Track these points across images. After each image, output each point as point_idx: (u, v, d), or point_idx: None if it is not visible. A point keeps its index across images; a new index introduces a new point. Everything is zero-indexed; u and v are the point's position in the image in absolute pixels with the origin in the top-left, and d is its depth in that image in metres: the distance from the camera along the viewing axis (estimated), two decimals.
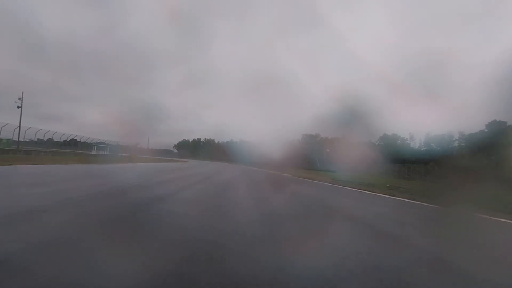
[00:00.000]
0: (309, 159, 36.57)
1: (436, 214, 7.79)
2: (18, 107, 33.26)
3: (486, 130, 28.29)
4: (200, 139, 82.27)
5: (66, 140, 44.95)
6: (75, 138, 48.39)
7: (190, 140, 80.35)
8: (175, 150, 76.18)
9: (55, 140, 44.17)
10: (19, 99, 33.50)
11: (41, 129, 40.37)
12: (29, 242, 2.92)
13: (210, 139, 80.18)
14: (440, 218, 7.49)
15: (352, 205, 8.42)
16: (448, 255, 3.79)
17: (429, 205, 8.96)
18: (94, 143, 44.50)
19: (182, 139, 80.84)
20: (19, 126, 33.37)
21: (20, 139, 34.32)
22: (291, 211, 6.48)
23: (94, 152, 41.13)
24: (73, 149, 43.90)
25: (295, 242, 3.84)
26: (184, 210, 5.43)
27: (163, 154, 61.11)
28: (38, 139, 41.13)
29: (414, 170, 29.84)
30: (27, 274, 2.27)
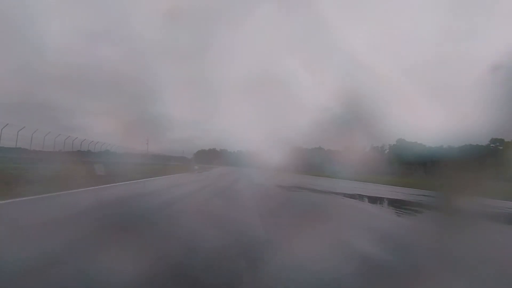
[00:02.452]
0: (312, 164, 38.81)
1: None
2: None
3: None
4: (215, 148, 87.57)
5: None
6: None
7: (206, 149, 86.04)
8: (189, 157, 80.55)
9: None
10: None
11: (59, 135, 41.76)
12: None
13: (224, 149, 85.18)
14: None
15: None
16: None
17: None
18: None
19: (200, 149, 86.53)
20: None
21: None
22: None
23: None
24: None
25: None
26: None
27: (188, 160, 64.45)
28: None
29: (411, 169, 31.87)
30: None
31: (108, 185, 8.57)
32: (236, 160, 65.09)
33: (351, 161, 36.01)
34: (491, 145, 27.06)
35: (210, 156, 72.60)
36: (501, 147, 26.82)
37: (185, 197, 7.79)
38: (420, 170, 34.84)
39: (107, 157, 33.45)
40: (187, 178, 15.85)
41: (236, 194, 9.66)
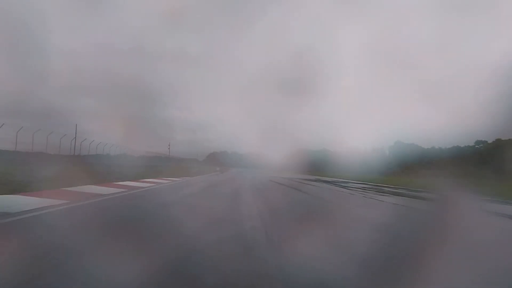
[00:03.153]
0: (318, 165, 42.65)
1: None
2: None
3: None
4: (226, 151, 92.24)
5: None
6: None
7: (218, 151, 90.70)
8: (200, 159, 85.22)
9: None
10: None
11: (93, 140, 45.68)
12: None
13: (234, 151, 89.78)
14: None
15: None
16: None
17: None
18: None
19: (212, 151, 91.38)
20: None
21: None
22: None
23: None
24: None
25: None
26: None
27: (203, 162, 68.51)
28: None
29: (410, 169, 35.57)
30: None
31: (194, 177, 13.30)
32: (247, 162, 69.26)
33: (354, 161, 39.91)
34: (476, 146, 30.66)
35: (221, 159, 77.10)
36: (482, 148, 30.49)
37: (237, 181, 12.43)
38: (417, 170, 38.51)
39: (144, 160, 38.11)
40: (223, 175, 21.74)
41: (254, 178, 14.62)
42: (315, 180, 21.07)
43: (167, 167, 27.83)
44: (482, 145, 31.02)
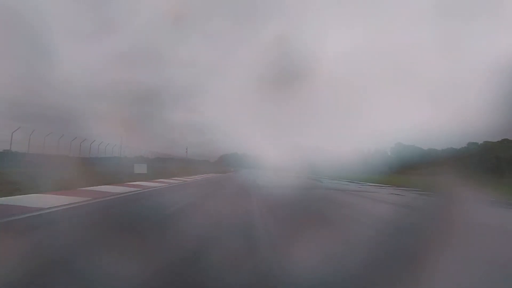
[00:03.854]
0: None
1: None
2: None
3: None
4: (237, 152, 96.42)
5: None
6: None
7: (229, 153, 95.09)
8: (211, 161, 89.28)
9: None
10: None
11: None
12: None
13: (245, 153, 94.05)
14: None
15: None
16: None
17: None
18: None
19: (224, 153, 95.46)
20: None
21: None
22: None
23: None
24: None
25: None
26: None
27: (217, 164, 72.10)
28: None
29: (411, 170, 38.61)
30: None
31: (220, 174, 16.93)
32: (255, 163, 72.62)
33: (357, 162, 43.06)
34: (468, 148, 33.53)
35: (232, 160, 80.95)
36: (476, 150, 33.45)
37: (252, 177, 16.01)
38: (417, 171, 41.43)
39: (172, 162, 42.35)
40: (241, 174, 25.83)
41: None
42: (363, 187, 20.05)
43: (193, 167, 31.83)
44: (473, 147, 33.99)
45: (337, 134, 49.27)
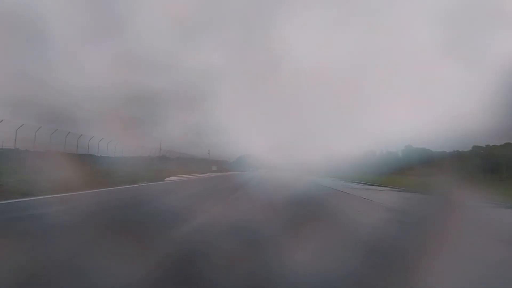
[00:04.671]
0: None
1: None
2: None
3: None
4: (253, 153, 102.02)
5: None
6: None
7: (246, 154, 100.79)
8: (230, 161, 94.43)
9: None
10: None
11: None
12: None
13: (261, 154, 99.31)
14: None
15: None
16: None
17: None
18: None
19: (241, 154, 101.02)
20: None
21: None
22: None
23: None
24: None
25: None
26: None
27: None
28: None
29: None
30: None
31: (238, 172, 21.67)
32: (269, 164, 76.39)
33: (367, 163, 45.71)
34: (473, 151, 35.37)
35: (249, 160, 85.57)
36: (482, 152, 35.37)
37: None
38: (425, 171, 43.49)
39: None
40: (256, 174, 30.51)
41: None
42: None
43: (218, 167, 36.64)
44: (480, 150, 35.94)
45: (350, 136, 51.78)
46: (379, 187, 22.49)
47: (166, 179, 21.32)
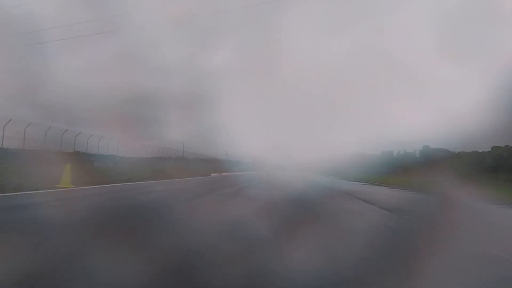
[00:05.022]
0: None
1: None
2: None
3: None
4: (268, 154, 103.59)
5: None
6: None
7: (261, 155, 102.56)
8: (246, 162, 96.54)
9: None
10: None
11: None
12: None
13: (276, 155, 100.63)
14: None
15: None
16: None
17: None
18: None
19: (257, 155, 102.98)
20: None
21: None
22: None
23: None
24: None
25: None
26: None
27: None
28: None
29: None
30: None
31: (253, 172, 24.18)
32: (284, 164, 76.95)
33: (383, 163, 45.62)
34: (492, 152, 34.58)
35: (263, 161, 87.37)
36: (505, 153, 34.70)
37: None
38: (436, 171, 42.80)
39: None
40: (270, 174, 33.02)
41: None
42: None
43: (236, 167, 38.70)
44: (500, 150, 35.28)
45: (367, 137, 51.53)
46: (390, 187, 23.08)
47: (211, 175, 28.81)
